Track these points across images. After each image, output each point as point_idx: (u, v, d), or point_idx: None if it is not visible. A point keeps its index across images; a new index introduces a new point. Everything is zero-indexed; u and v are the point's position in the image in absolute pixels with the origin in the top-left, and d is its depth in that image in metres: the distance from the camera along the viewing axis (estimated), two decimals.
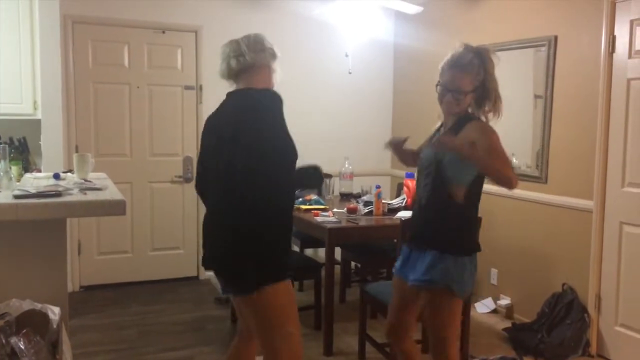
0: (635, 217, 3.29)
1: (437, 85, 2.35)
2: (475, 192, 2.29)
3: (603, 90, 3.43)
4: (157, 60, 4.75)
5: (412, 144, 2.52)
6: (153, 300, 4.43)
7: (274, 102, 2.14)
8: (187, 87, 4.83)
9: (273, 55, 2.29)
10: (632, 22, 3.27)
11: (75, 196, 2.15)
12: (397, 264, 2.50)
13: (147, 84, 4.73)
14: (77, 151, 4.41)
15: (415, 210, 2.44)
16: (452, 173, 2.24)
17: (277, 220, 2.09)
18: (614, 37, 3.37)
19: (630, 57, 3.30)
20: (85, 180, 2.59)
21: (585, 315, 3.52)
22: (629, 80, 3.30)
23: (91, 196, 2.17)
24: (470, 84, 2.26)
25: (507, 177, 2.11)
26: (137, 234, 4.80)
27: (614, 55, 3.38)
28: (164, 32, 4.75)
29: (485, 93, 2.29)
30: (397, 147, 2.49)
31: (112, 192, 2.29)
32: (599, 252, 3.50)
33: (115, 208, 2.10)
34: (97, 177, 2.76)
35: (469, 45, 2.33)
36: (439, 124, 2.47)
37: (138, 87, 4.72)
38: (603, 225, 3.48)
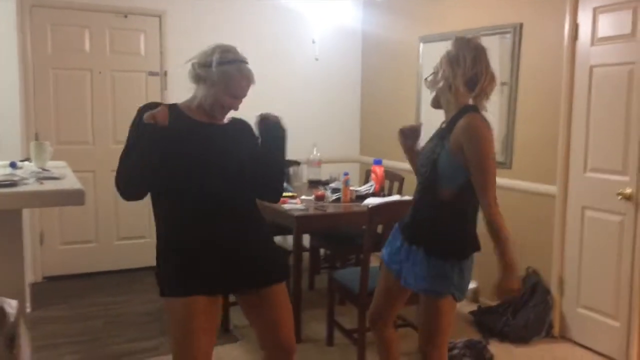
0: (596, 201, 3.36)
1: (434, 76, 2.25)
2: (470, 192, 2.12)
3: (566, 77, 3.47)
4: (119, 46, 4.63)
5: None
6: (118, 290, 4.36)
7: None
8: (152, 73, 4.73)
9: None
10: (594, 9, 3.32)
11: (32, 186, 2.08)
12: (385, 250, 2.41)
13: (110, 69, 4.61)
14: (37, 139, 4.28)
15: (411, 209, 2.33)
16: (444, 175, 2.14)
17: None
18: (577, 25, 3.42)
19: (592, 44, 3.34)
20: (43, 169, 2.51)
21: (549, 297, 3.60)
22: (591, 67, 3.35)
23: (48, 186, 2.11)
24: (464, 78, 2.13)
25: (495, 224, 2.06)
26: (101, 223, 4.70)
27: (577, 42, 3.42)
28: (126, 17, 4.63)
29: (474, 80, 2.14)
30: (413, 134, 2.38)
31: (70, 182, 2.23)
32: (562, 236, 3.57)
33: (73, 198, 2.04)
34: (56, 166, 2.68)
35: (463, 37, 2.22)
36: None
37: (100, 73, 4.60)
38: (566, 210, 3.55)
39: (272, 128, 2.17)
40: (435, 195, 2.18)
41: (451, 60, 2.15)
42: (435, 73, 2.23)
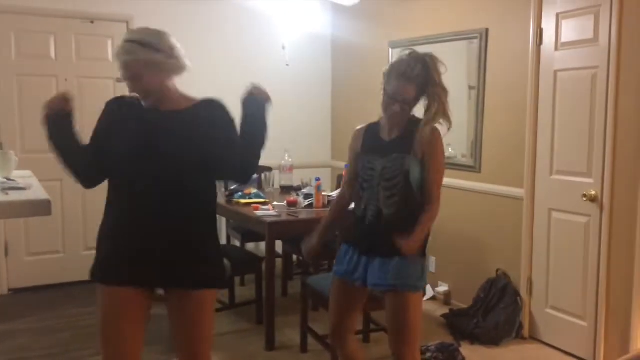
0: (562, 203, 3.43)
1: (382, 91, 2.31)
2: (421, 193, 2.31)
3: (532, 81, 3.55)
4: (86, 52, 4.56)
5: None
6: (87, 301, 4.25)
7: None
8: (119, 80, 4.56)
9: None
10: (558, 15, 3.40)
11: None
12: (340, 268, 2.44)
13: (76, 76, 4.53)
14: (1, 148, 4.17)
15: (371, 220, 2.32)
16: (414, 182, 2.26)
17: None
18: (541, 30, 3.49)
19: (556, 49, 3.42)
20: (8, 180, 2.45)
21: (518, 298, 3.66)
22: (555, 72, 3.43)
23: (13, 196, 2.06)
24: (414, 93, 2.24)
25: (435, 215, 2.33)
26: (68, 233, 4.61)
27: (542, 47, 3.50)
28: (92, 22, 4.56)
29: (431, 100, 2.26)
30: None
31: (36, 192, 2.18)
32: (530, 238, 3.63)
33: (39, 208, 2.00)
34: (22, 176, 2.61)
35: (415, 52, 2.29)
36: (365, 125, 2.45)
37: (66, 80, 4.51)
38: (533, 212, 3.61)
39: (256, 107, 2.14)
40: (408, 201, 2.27)
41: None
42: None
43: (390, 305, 2.34)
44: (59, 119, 2.01)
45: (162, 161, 1.95)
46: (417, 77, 2.22)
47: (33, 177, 2.63)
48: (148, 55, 1.93)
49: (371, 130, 2.42)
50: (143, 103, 2.05)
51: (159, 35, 1.99)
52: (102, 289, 2.01)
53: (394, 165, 2.27)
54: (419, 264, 2.31)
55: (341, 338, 2.51)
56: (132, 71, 1.95)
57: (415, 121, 2.30)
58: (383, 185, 2.29)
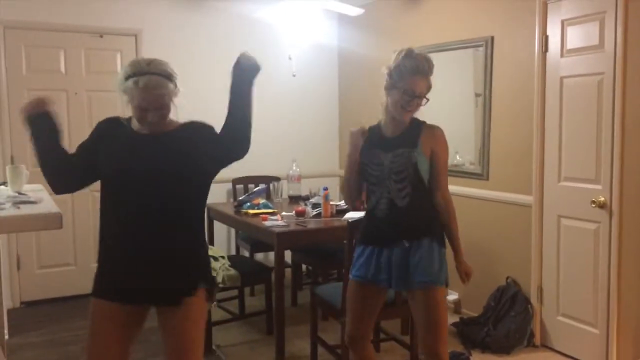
0: (571, 210, 3.42)
1: (390, 91, 2.37)
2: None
3: (538, 88, 3.55)
4: (95, 66, 4.61)
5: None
6: None
7: None
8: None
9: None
10: (563, 22, 3.40)
11: (8, 211, 2.06)
12: (361, 271, 2.44)
13: (86, 90, 4.59)
14: (12, 162, 4.23)
15: (384, 212, 2.38)
16: (422, 173, 2.38)
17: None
18: (546, 37, 3.50)
19: (562, 55, 3.42)
20: (20, 193, 2.49)
21: (529, 306, 3.64)
22: (561, 78, 3.43)
23: (25, 210, 2.09)
24: (427, 89, 2.37)
25: (454, 212, 2.45)
26: (79, 246, 4.64)
27: (547, 54, 3.50)
28: (101, 37, 4.62)
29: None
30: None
31: (47, 205, 2.21)
32: (539, 245, 3.62)
33: (50, 222, 2.03)
34: (33, 190, 2.66)
35: (414, 50, 2.42)
36: (367, 126, 2.50)
37: (76, 94, 4.57)
38: (542, 219, 3.60)
39: (240, 78, 2.13)
40: (419, 191, 2.37)
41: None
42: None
43: (421, 303, 2.37)
44: (38, 119, 2.08)
45: (161, 179, 2.00)
46: (428, 72, 2.36)
47: (44, 190, 2.67)
48: (171, 87, 2.01)
49: (373, 130, 2.49)
50: (133, 126, 2.09)
51: (170, 65, 2.06)
52: (92, 301, 2.10)
53: (402, 158, 2.35)
54: (442, 256, 2.41)
55: (360, 343, 2.52)
56: (161, 102, 2.00)
57: (417, 121, 2.43)
58: (394, 178, 2.36)
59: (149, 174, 2.00)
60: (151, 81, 1.97)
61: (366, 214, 2.51)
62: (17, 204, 2.19)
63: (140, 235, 2.01)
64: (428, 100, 2.37)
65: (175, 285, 2.04)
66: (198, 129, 2.11)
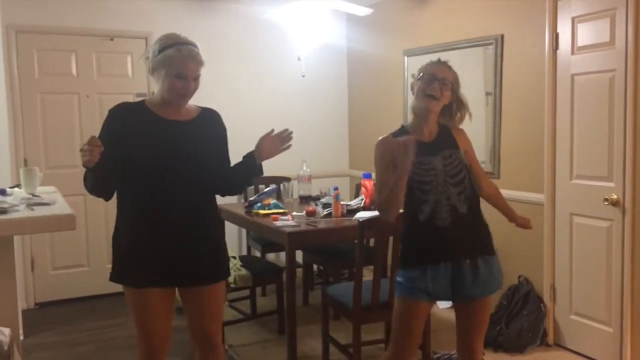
0: (584, 208, 3.40)
1: (418, 79, 2.32)
2: None
3: (549, 86, 3.53)
4: (106, 68, 4.65)
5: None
6: (111, 314, 4.32)
7: None
8: (139, 95, 4.73)
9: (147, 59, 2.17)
10: (573, 19, 3.38)
11: (22, 213, 2.08)
12: (424, 290, 2.23)
13: (97, 92, 4.62)
14: (26, 164, 4.28)
15: (448, 220, 2.23)
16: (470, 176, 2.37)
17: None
18: (557, 35, 3.48)
19: (573, 53, 3.40)
20: (33, 195, 2.52)
21: (542, 305, 3.62)
22: (572, 76, 3.41)
23: (39, 212, 2.11)
24: (452, 78, 2.32)
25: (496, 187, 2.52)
26: (92, 247, 4.68)
27: (558, 51, 3.48)
28: (112, 39, 4.66)
29: (459, 101, 2.37)
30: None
31: (61, 207, 2.23)
32: (552, 244, 3.60)
33: (64, 223, 2.05)
34: (46, 191, 2.68)
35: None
36: (390, 135, 2.33)
37: (88, 96, 4.61)
38: (554, 217, 3.58)
39: (249, 172, 2.33)
40: (475, 195, 2.36)
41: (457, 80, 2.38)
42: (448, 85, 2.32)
43: (482, 310, 2.35)
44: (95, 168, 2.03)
45: (186, 163, 2.13)
46: (450, 67, 2.34)
47: (57, 192, 2.70)
48: None
49: (400, 136, 2.26)
50: (161, 113, 2.15)
51: None
52: (131, 291, 2.17)
53: (453, 160, 2.28)
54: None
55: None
56: (199, 73, 2.13)
57: (443, 125, 2.38)
58: (450, 182, 2.25)
59: (183, 161, 2.12)
60: (194, 50, 2.10)
61: (416, 226, 2.27)
62: (31, 205, 2.22)
63: (174, 221, 2.13)
64: (457, 91, 2.32)
65: (218, 268, 2.25)
66: (218, 120, 2.30)
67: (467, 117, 2.39)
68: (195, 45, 2.13)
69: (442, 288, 2.25)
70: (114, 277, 2.19)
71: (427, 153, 2.26)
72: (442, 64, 2.34)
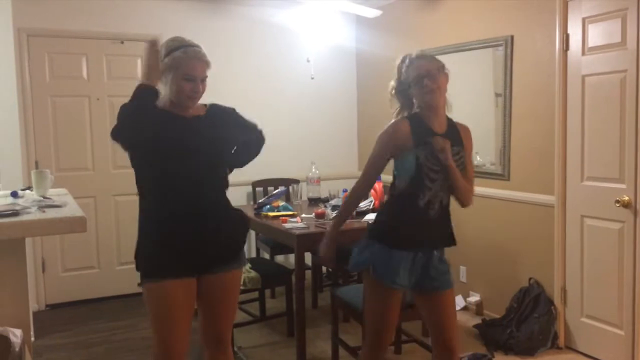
0: (595, 210, 3.38)
1: (403, 86, 2.39)
2: None
3: (559, 87, 3.51)
4: (117, 71, 4.67)
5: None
6: (121, 315, 4.35)
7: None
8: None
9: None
10: (584, 20, 3.36)
11: (33, 215, 2.09)
12: (405, 279, 2.32)
13: (108, 95, 4.65)
14: (37, 167, 4.31)
15: (437, 213, 2.33)
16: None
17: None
18: (567, 35, 3.46)
19: (583, 54, 3.38)
20: (45, 197, 2.53)
21: (552, 308, 3.59)
22: (583, 77, 3.39)
23: (50, 214, 2.12)
24: (435, 67, 2.33)
25: (471, 191, 2.43)
26: (102, 249, 4.70)
27: (569, 52, 3.46)
28: (122, 43, 4.69)
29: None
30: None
31: (72, 209, 2.25)
32: (562, 246, 3.58)
33: (75, 225, 2.06)
34: (57, 194, 2.70)
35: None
36: (403, 119, 2.37)
37: (98, 99, 4.64)
38: (565, 219, 3.56)
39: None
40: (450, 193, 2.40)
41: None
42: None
43: (447, 302, 2.39)
44: (147, 92, 2.05)
45: (202, 157, 2.15)
46: (429, 57, 2.38)
47: (68, 194, 2.72)
48: None
49: (416, 122, 2.33)
50: (167, 108, 2.15)
51: None
52: (155, 285, 2.12)
53: (459, 158, 2.35)
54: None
55: (387, 350, 2.49)
56: (206, 74, 2.16)
57: (450, 119, 2.42)
58: (439, 173, 2.32)
59: (196, 154, 2.13)
60: (200, 51, 2.13)
61: (410, 211, 2.32)
62: (42, 207, 2.23)
63: (194, 211, 2.14)
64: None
65: (231, 256, 2.26)
66: (227, 113, 2.32)
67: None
68: (200, 47, 2.16)
69: (411, 276, 2.34)
70: (148, 275, 2.14)
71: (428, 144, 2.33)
72: (420, 59, 2.37)
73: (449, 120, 2.41)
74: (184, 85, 2.09)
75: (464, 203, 2.41)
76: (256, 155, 2.44)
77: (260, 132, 2.43)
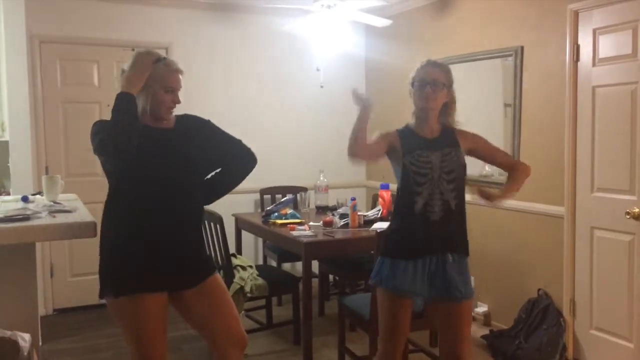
0: (605, 221, 3.35)
1: (411, 84, 2.43)
2: None
3: (569, 97, 3.50)
4: None
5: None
6: None
7: None
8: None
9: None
10: (594, 30, 3.36)
11: (44, 219, 2.11)
12: (406, 284, 2.32)
13: None
14: (47, 172, 4.34)
15: (440, 215, 2.32)
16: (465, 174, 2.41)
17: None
18: (578, 46, 3.45)
19: (594, 65, 3.38)
20: (55, 202, 2.56)
21: (561, 319, 3.57)
22: (594, 88, 3.38)
23: (60, 219, 2.14)
24: (444, 80, 2.37)
25: (527, 169, 2.55)
26: None
27: (579, 63, 3.46)
28: (133, 50, 4.71)
29: (452, 101, 2.43)
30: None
31: (82, 214, 2.26)
32: (572, 257, 3.55)
33: (85, 230, 2.07)
34: (67, 199, 2.72)
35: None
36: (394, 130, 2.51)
37: (108, 106, 4.61)
38: (575, 230, 3.53)
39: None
40: (463, 193, 2.38)
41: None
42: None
43: (465, 312, 2.37)
44: (130, 100, 2.07)
45: (177, 169, 2.13)
46: (442, 66, 2.41)
47: (78, 200, 2.74)
48: None
49: (405, 132, 2.47)
50: (147, 122, 2.15)
51: None
52: (129, 300, 2.07)
53: (451, 158, 2.35)
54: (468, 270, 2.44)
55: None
56: (181, 84, 2.19)
57: (448, 127, 2.43)
58: (445, 178, 2.33)
59: (172, 166, 2.12)
60: (177, 62, 2.18)
61: (410, 217, 2.34)
62: (52, 212, 2.25)
63: (166, 223, 2.10)
64: (451, 92, 2.40)
65: (205, 265, 2.25)
66: (200, 123, 2.31)
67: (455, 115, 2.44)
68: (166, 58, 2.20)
69: (415, 281, 2.31)
70: (110, 290, 2.11)
71: (427, 149, 2.37)
72: (431, 66, 2.40)
73: (446, 127, 2.43)
74: (165, 97, 2.12)
75: (527, 174, 2.53)
76: (242, 177, 2.39)
77: (248, 150, 2.39)
